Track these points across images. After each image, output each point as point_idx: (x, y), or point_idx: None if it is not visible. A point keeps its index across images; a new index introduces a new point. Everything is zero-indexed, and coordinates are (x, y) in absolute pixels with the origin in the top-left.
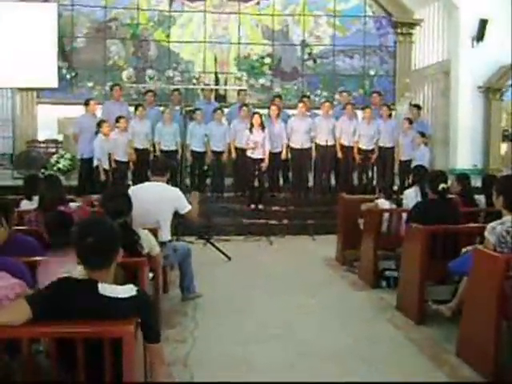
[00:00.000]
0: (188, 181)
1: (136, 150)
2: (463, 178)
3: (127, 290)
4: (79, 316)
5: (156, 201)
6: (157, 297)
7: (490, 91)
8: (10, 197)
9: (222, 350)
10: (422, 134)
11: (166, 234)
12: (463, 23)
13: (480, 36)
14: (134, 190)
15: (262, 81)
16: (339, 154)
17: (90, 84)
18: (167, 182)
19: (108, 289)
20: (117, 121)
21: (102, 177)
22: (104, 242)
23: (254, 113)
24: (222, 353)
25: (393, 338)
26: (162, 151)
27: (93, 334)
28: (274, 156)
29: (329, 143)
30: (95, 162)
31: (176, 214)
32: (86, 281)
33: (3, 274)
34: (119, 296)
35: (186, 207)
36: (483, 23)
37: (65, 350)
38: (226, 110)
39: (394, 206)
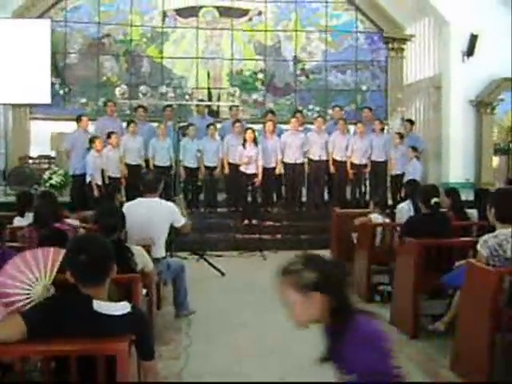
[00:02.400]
0: (181, 196)
1: (128, 165)
2: (452, 191)
3: (122, 307)
4: (74, 332)
5: (150, 217)
6: (150, 313)
7: (482, 105)
8: (3, 213)
9: (217, 367)
10: (414, 149)
11: (159, 251)
12: (454, 38)
13: (471, 51)
14: (128, 207)
15: (254, 96)
16: (332, 169)
17: (83, 100)
18: (160, 196)
19: (103, 306)
20: (108, 137)
21: (95, 193)
22: (98, 258)
23: (247, 128)
24: (217, 369)
25: None
26: (155, 167)
27: (86, 352)
28: (268, 171)
29: (322, 158)
30: (88, 178)
31: (170, 231)
32: (81, 297)
33: None
34: (114, 313)
35: (180, 220)
36: (474, 38)
37: (58, 367)
38: (218, 126)
39: (387, 220)
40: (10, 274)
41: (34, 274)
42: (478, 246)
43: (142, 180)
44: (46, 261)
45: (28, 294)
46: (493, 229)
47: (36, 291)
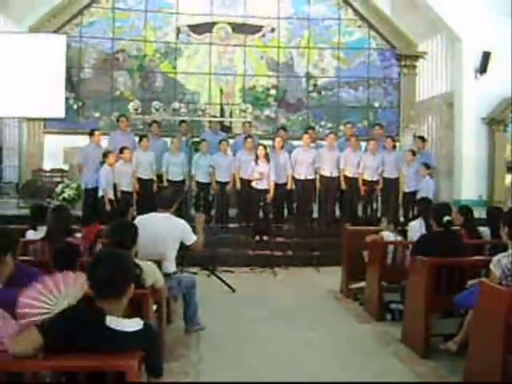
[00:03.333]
0: (193, 211)
1: (140, 180)
2: (465, 209)
3: (134, 324)
4: (86, 346)
5: (161, 232)
6: (160, 329)
7: (494, 123)
8: (15, 226)
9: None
10: (427, 166)
11: (170, 266)
12: (466, 55)
13: (483, 68)
14: (139, 221)
15: (267, 112)
16: (343, 186)
17: (97, 114)
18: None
19: (115, 321)
20: (121, 151)
21: (108, 207)
22: (117, 273)
23: (259, 144)
24: None
25: (398, 371)
26: (169, 181)
27: (96, 368)
28: (279, 187)
29: (333, 175)
30: (100, 193)
31: (181, 246)
32: (95, 312)
33: (2, 313)
34: (126, 330)
35: (191, 239)
36: (486, 55)
37: (68, 381)
38: (231, 141)
39: (398, 238)
40: (32, 296)
41: (56, 294)
42: (491, 266)
43: (158, 195)
44: (68, 281)
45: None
46: (505, 247)
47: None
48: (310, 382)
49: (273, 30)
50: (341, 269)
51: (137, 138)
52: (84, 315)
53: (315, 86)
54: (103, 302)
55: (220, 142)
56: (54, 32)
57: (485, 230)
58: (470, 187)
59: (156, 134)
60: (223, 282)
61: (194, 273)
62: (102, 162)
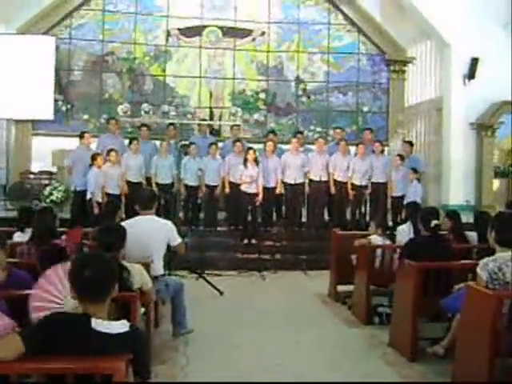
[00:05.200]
0: (181, 214)
1: (129, 183)
2: (453, 214)
3: (120, 326)
4: (72, 351)
5: (148, 234)
6: (148, 332)
7: (482, 128)
8: (3, 228)
9: None
10: (415, 170)
11: (158, 268)
12: (455, 61)
13: (472, 74)
14: (126, 225)
15: (256, 116)
16: (332, 190)
17: (86, 117)
18: (156, 213)
19: (101, 324)
20: (108, 154)
21: (96, 210)
22: (100, 276)
23: (249, 148)
24: None
25: (385, 375)
26: (157, 184)
27: (83, 370)
28: (268, 191)
29: (322, 179)
30: (89, 195)
31: (169, 248)
32: (79, 315)
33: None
34: (112, 332)
35: (176, 239)
36: (475, 61)
37: None
38: (220, 145)
39: (387, 242)
40: (43, 288)
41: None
42: (478, 269)
43: (138, 197)
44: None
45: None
46: (493, 252)
47: (67, 306)
48: (298, 383)
49: (263, 33)
50: (329, 272)
51: (126, 141)
52: (69, 318)
53: (304, 90)
54: (88, 306)
55: (209, 146)
56: (43, 34)
57: (472, 235)
58: (457, 192)
59: (145, 138)
60: (211, 285)
61: (183, 276)
62: (91, 165)
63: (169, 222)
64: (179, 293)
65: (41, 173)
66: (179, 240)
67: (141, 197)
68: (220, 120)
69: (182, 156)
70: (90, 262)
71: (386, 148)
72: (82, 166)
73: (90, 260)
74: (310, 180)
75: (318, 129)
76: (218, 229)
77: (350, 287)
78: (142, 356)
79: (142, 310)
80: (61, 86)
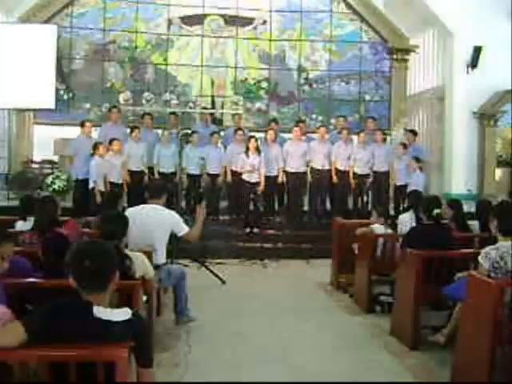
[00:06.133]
0: (184, 203)
1: (131, 172)
2: (455, 203)
3: (122, 314)
4: (74, 339)
5: (152, 224)
6: (150, 320)
7: (485, 117)
8: (5, 217)
9: (216, 375)
10: (417, 159)
11: (160, 257)
12: (458, 50)
13: (474, 62)
14: (130, 213)
15: (258, 105)
16: (335, 179)
17: (87, 105)
18: (165, 205)
19: (103, 312)
20: (110, 143)
21: (98, 199)
22: (102, 265)
23: (250, 137)
24: (216, 377)
25: (387, 363)
26: (160, 173)
27: (85, 358)
28: (270, 180)
29: (324, 167)
30: (91, 184)
31: (171, 237)
32: (81, 303)
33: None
34: (114, 319)
35: (183, 229)
36: (478, 50)
37: (58, 373)
38: (222, 134)
39: (388, 231)
40: None
41: None
42: (480, 258)
43: (147, 186)
44: None
45: None
46: (495, 241)
47: None
48: (298, 383)
49: (265, 22)
50: (331, 261)
51: (127, 130)
52: (70, 306)
53: (307, 78)
54: (89, 295)
55: (211, 135)
56: (45, 22)
57: (474, 224)
58: (460, 181)
59: (148, 126)
60: (213, 273)
61: (185, 265)
62: (92, 154)
63: (172, 212)
64: (181, 281)
65: (43, 162)
66: (186, 229)
67: (151, 186)
68: (222, 109)
69: (184, 145)
70: (90, 252)
71: (388, 137)
72: (83, 154)
73: (90, 249)
74: (312, 169)
75: (320, 117)
76: (220, 217)
77: (352, 276)
78: (144, 344)
79: (145, 298)
80: (62, 75)
